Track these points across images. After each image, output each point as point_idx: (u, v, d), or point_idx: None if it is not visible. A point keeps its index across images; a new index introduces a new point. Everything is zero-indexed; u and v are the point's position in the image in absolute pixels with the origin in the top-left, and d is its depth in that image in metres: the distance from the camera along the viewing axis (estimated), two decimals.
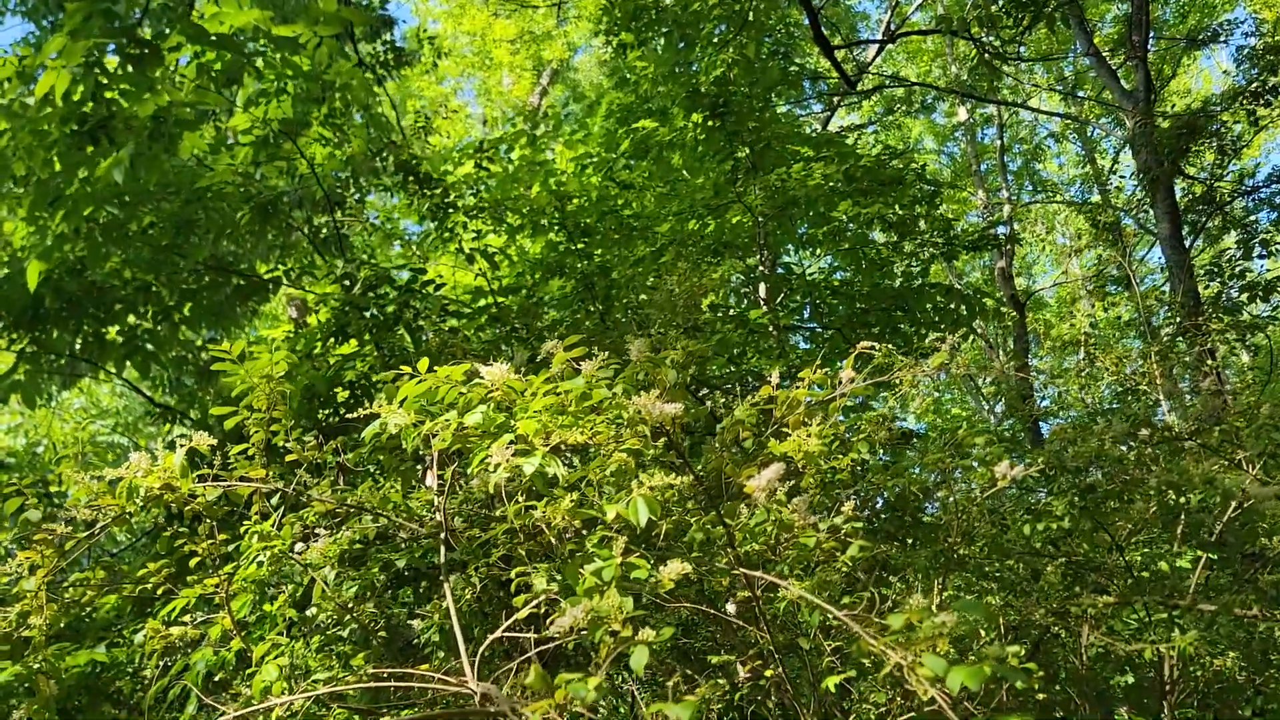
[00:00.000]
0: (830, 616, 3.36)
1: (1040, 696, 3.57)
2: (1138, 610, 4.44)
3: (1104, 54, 14.16)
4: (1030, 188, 22.59)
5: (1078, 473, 3.56)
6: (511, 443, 2.11)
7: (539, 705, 1.49)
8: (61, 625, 3.14)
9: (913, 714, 3.54)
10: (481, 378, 2.25)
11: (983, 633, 3.03)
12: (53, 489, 5.34)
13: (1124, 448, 3.66)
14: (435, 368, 2.41)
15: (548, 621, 2.05)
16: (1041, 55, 17.83)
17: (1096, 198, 19.25)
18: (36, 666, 2.55)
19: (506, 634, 3.22)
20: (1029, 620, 4.13)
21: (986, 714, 3.25)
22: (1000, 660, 1.85)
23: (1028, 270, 26.37)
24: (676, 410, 1.99)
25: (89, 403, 13.13)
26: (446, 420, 2.25)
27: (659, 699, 2.64)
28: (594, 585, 1.86)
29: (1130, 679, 5.45)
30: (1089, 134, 21.13)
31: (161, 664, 3.54)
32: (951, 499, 3.89)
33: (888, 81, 18.04)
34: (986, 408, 20.22)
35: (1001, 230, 15.92)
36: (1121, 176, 19.11)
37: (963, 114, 20.00)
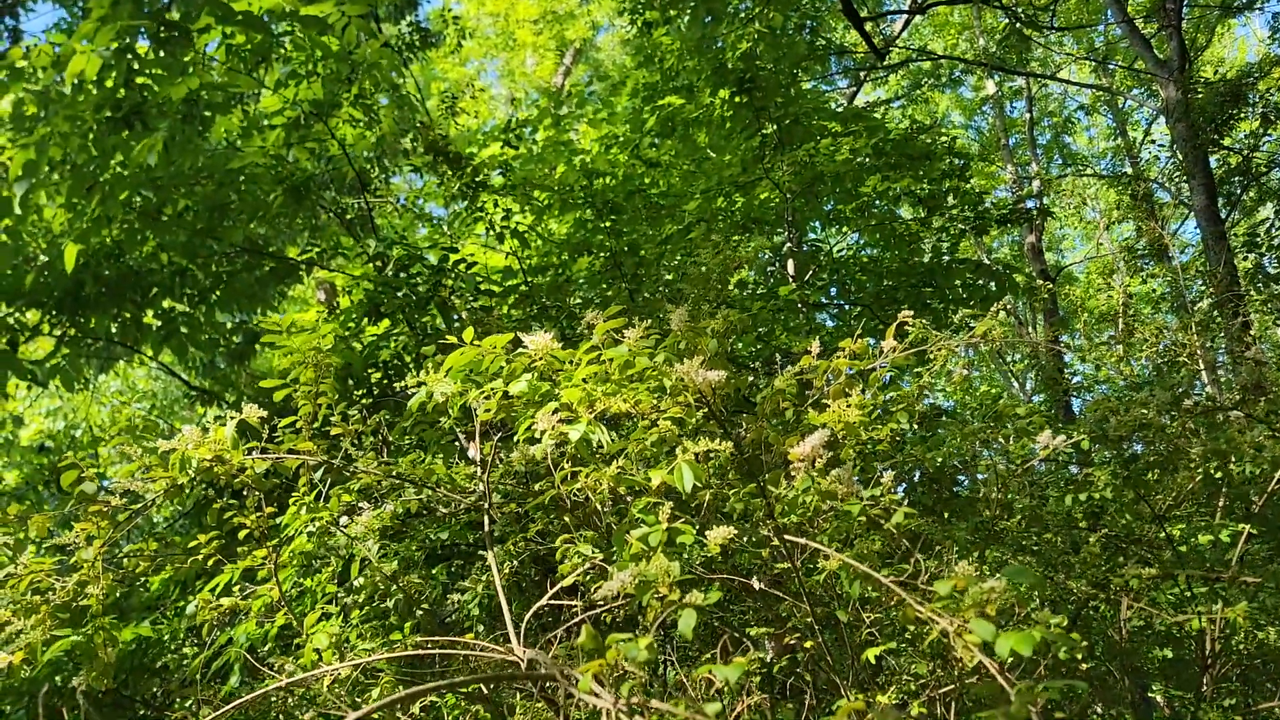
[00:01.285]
0: (869, 589, 3.36)
1: (1083, 666, 3.55)
2: (1179, 584, 4.40)
3: (1137, 23, 13.90)
4: (1060, 161, 22.27)
5: (1119, 443, 3.53)
6: (555, 411, 2.12)
7: (590, 666, 1.51)
8: (116, 596, 3.21)
9: (954, 685, 3.54)
10: (524, 348, 2.26)
11: (1022, 604, 3.01)
12: (92, 470, 5.44)
13: (1166, 418, 3.62)
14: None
15: (593, 589, 2.06)
16: (1072, 24, 17.53)
17: (1129, 170, 18.95)
18: (94, 634, 2.61)
19: (549, 605, 3.25)
20: (1068, 593, 4.11)
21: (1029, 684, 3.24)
22: (1050, 627, 1.84)
23: (1057, 246, 26.05)
24: (720, 377, 1.99)
25: (125, 386, 13.33)
26: (492, 389, 2.27)
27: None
28: (640, 551, 1.87)
29: (1169, 653, 5.42)
30: (1121, 106, 20.78)
31: (211, 636, 3.60)
32: (991, 471, 3.87)
33: (915, 55, 17.81)
34: (1016, 386, 20.04)
35: (1032, 204, 15.75)
36: (1154, 149, 18.80)
37: (991, 87, 19.74)
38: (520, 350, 2.29)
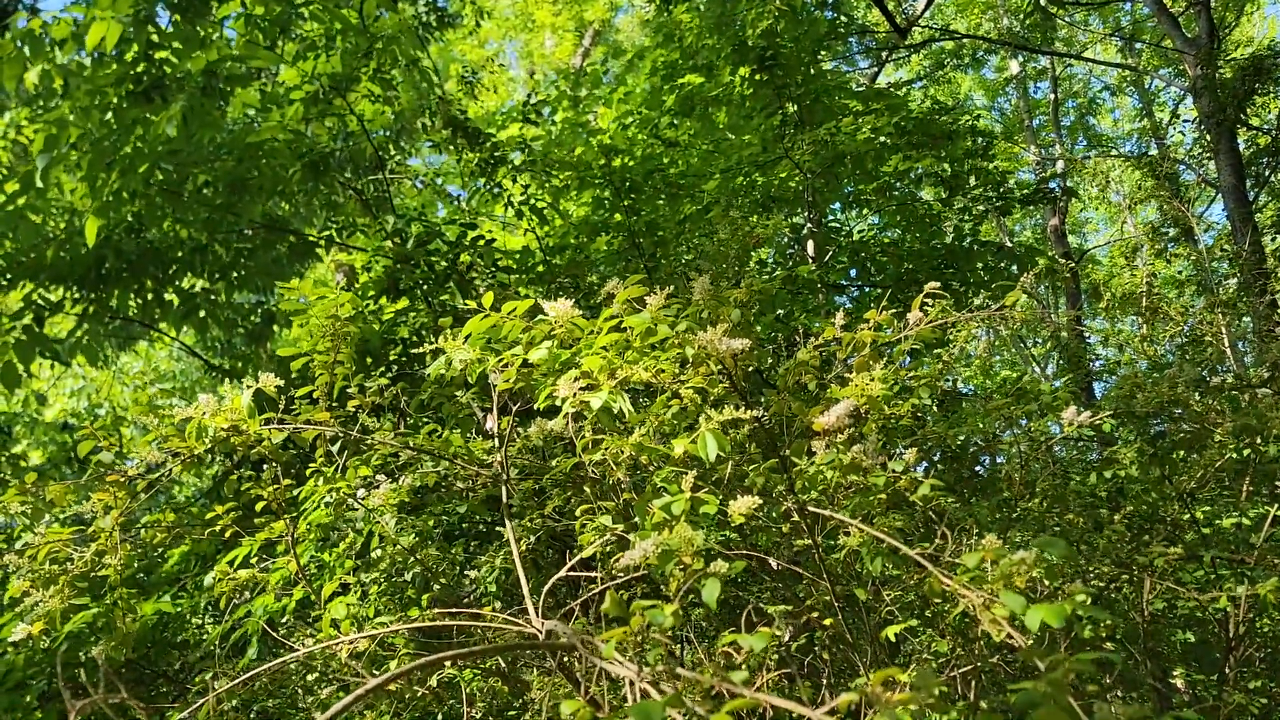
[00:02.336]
0: (889, 567, 3.32)
1: (1107, 646, 3.51)
2: (1203, 565, 4.35)
3: (1164, 0, 13.65)
4: (1084, 143, 21.99)
5: (1145, 419, 3.47)
6: (575, 379, 2.09)
7: (613, 634, 1.48)
8: (134, 567, 3.22)
9: (974, 665, 3.51)
10: (544, 316, 2.23)
11: (1049, 579, 2.97)
12: (112, 449, 5.48)
13: (1193, 396, 3.55)
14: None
15: (614, 560, 2.04)
16: (1098, 2, 17.25)
17: (1155, 151, 18.68)
18: (113, 604, 2.62)
19: (566, 583, 3.24)
20: (1090, 573, 4.06)
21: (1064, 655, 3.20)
22: (1081, 600, 1.80)
23: (1081, 229, 25.77)
24: (743, 345, 1.96)
25: (147, 367, 13.42)
26: (513, 355, 2.24)
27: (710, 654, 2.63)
28: (662, 520, 1.84)
29: (1191, 637, 5.36)
30: (1147, 86, 20.47)
31: (230, 605, 3.61)
32: (1014, 449, 3.82)
33: (937, 35, 17.59)
34: (1038, 370, 19.87)
35: (1055, 186, 15.55)
36: (1181, 130, 18.53)
37: (1014, 67, 19.49)
38: (540, 318, 2.26)
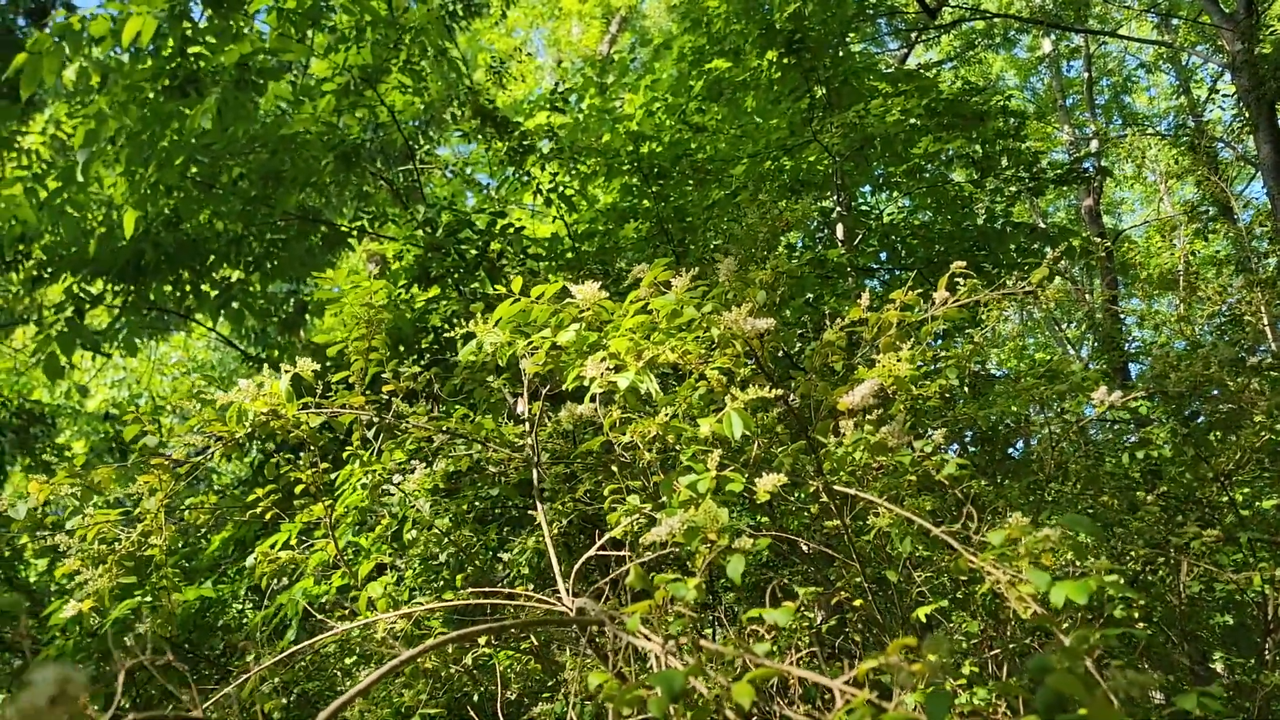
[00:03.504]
0: (919, 548, 3.33)
1: (1140, 626, 3.49)
2: (1241, 548, 4.30)
3: None
4: (1119, 122, 21.62)
5: (1179, 398, 3.44)
6: (603, 360, 2.13)
7: (637, 606, 1.51)
8: (178, 552, 3.31)
9: (1004, 648, 3.51)
10: (572, 299, 2.27)
11: (1078, 557, 2.96)
12: (156, 435, 5.62)
13: (1229, 376, 3.51)
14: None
15: (641, 539, 2.07)
16: None
17: (1192, 127, 18.34)
18: (158, 583, 2.70)
19: (595, 562, 3.28)
20: (1125, 555, 4.03)
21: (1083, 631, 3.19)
22: (1107, 576, 1.80)
23: (1116, 209, 25.39)
24: (768, 324, 1.98)
25: (185, 357, 13.67)
26: (542, 337, 2.28)
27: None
28: (689, 498, 1.87)
29: (1229, 620, 5.30)
30: (1184, 62, 20.08)
31: (270, 589, 3.70)
32: (1045, 430, 3.81)
33: (968, 14, 17.36)
34: (1072, 353, 19.64)
35: (1089, 165, 15.32)
36: (1220, 107, 18.15)
37: (1047, 46, 19.20)
38: (568, 300, 2.29)
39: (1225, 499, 3.92)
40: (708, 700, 1.19)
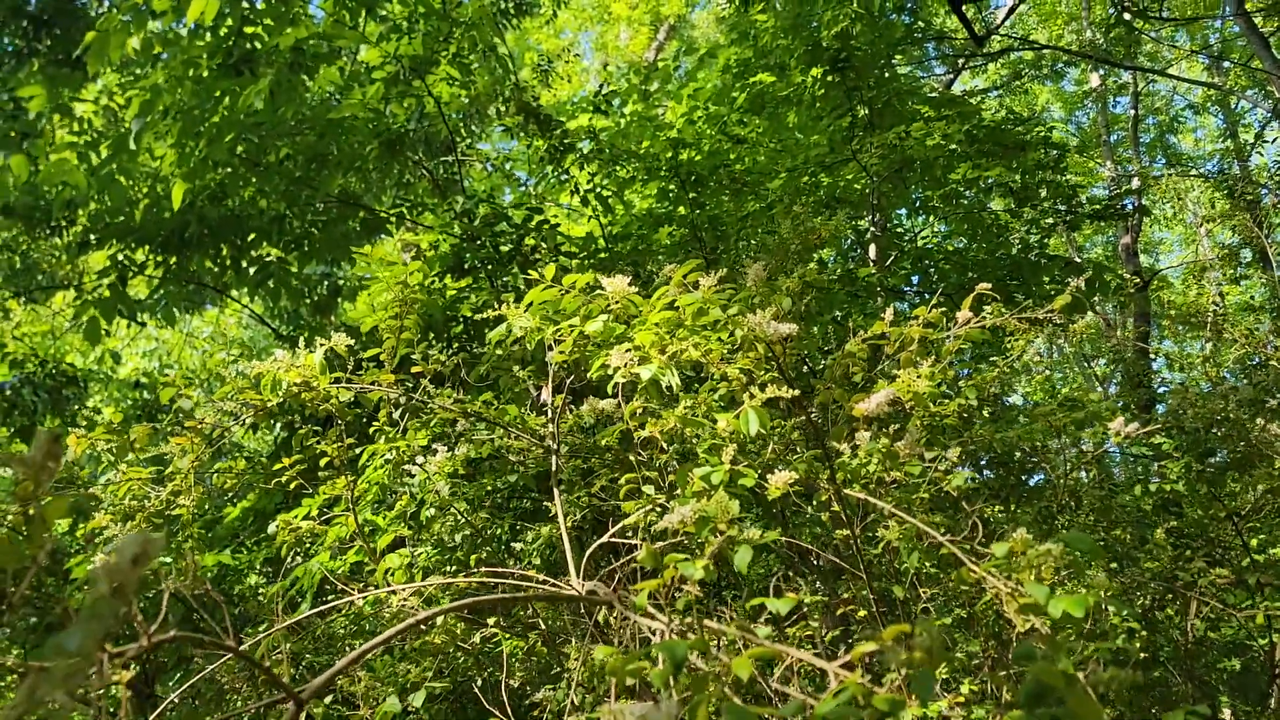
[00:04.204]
0: (926, 564, 3.37)
1: (1140, 673, 3.50)
2: (1250, 591, 4.29)
3: (1255, 19, 13.28)
4: (1163, 161, 21.45)
5: (1195, 434, 3.45)
6: (627, 351, 2.19)
7: (647, 584, 1.57)
8: (204, 516, 3.41)
9: (1012, 668, 3.53)
10: (602, 291, 2.33)
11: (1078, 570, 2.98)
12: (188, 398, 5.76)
13: (1248, 415, 3.52)
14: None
15: (653, 528, 2.13)
16: (1185, 18, 16.84)
17: (1236, 172, 18.17)
18: (184, 541, 2.80)
19: (607, 552, 3.34)
20: (1136, 591, 4.03)
21: (1087, 667, 3.21)
22: (1107, 595, 1.84)
23: (1154, 249, 25.16)
24: (791, 330, 2.03)
25: (217, 332, 13.88)
26: (571, 325, 2.35)
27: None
28: (701, 489, 1.93)
29: (1236, 664, 5.27)
30: (1233, 106, 19.90)
31: (288, 562, 3.79)
32: (1061, 457, 3.82)
33: (1016, 44, 17.31)
34: (1100, 389, 19.48)
35: (1129, 203, 15.23)
36: (1260, 153, 17.98)
37: (1095, 80, 19.10)
38: (598, 293, 2.36)
39: (1238, 540, 3.91)
40: (708, 674, 1.25)
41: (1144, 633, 3.26)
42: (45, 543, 0.97)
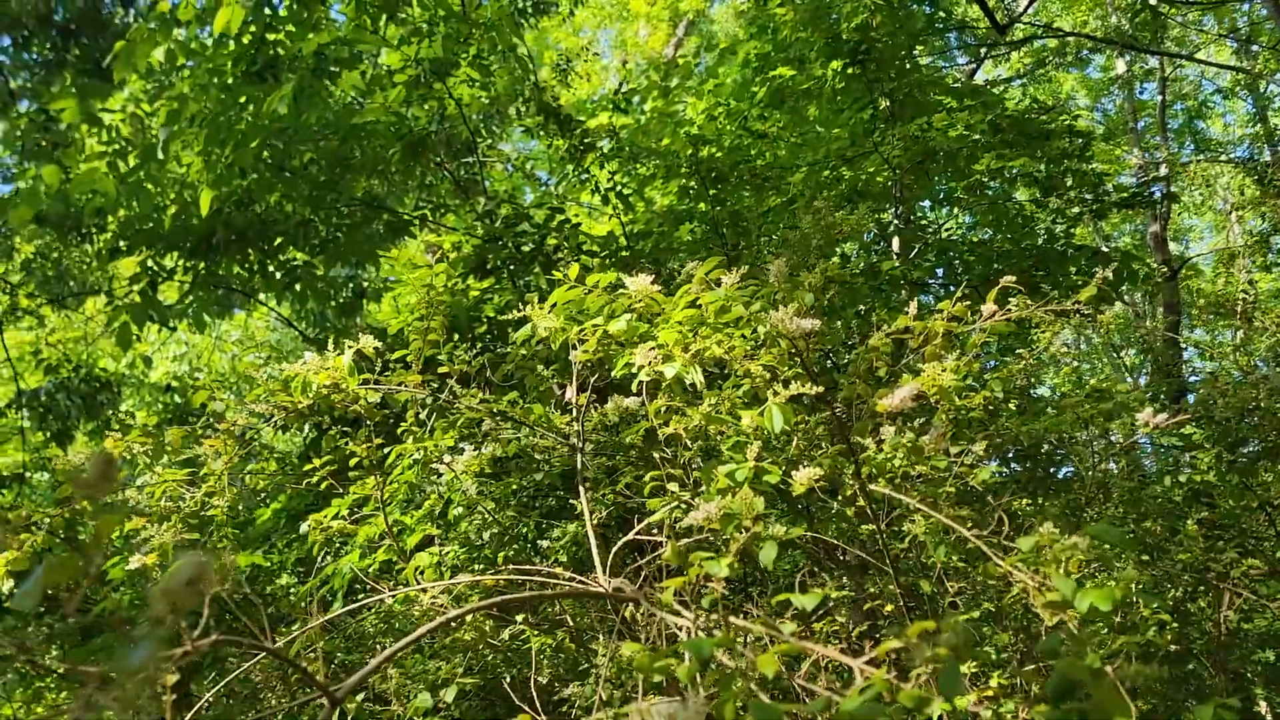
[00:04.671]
0: (953, 558, 3.36)
1: (1168, 667, 3.47)
2: None
3: None
4: (1192, 148, 21.14)
5: (1226, 423, 3.41)
6: (651, 349, 2.21)
7: (672, 582, 1.59)
8: (238, 517, 3.46)
9: (1040, 661, 3.52)
10: (625, 290, 2.35)
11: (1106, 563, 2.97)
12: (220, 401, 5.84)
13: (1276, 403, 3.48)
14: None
15: (679, 524, 2.15)
16: (1212, 2, 16.61)
17: (1267, 157, 17.90)
18: (219, 541, 2.85)
19: (633, 549, 3.36)
20: (1167, 583, 4.00)
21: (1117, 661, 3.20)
22: (1135, 588, 1.83)
23: (1184, 236, 24.83)
24: (813, 325, 2.04)
25: (245, 336, 14.04)
26: (594, 325, 2.37)
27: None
28: (726, 486, 1.94)
29: (1270, 656, 5.21)
30: (1263, 89, 19.58)
31: (319, 562, 3.84)
32: (1088, 448, 3.80)
33: (1039, 32, 17.13)
34: (1130, 380, 19.27)
35: (1157, 190, 15.05)
36: None
37: (1120, 67, 18.87)
38: (621, 292, 2.38)
39: (1272, 530, 3.87)
40: (733, 671, 1.26)
41: (1174, 625, 3.24)
42: (96, 558, 1.00)
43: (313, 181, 5.79)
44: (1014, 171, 9.87)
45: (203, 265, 6.07)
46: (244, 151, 5.29)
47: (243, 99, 5.24)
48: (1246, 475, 3.48)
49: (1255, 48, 18.67)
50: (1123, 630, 3.11)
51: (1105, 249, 14.44)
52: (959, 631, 1.08)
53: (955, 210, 10.77)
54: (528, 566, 3.11)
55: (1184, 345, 10.91)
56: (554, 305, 2.51)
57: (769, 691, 2.48)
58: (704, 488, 2.16)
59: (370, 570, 4.08)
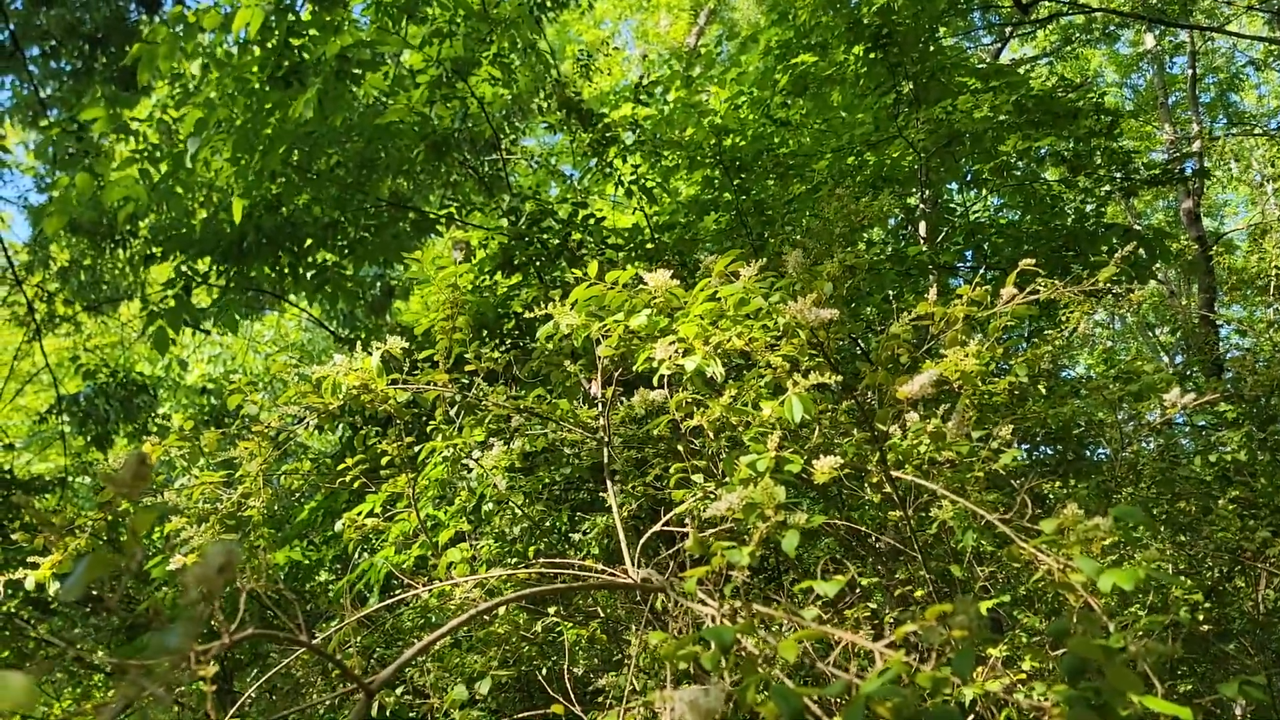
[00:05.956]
0: (983, 542, 3.36)
1: (1205, 628, 3.46)
2: None
3: None
4: (1224, 121, 20.77)
5: (1256, 402, 3.38)
6: (672, 343, 2.24)
7: (695, 571, 1.62)
8: (273, 516, 3.55)
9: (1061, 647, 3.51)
10: (645, 285, 2.38)
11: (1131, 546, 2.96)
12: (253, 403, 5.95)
13: None
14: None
15: (702, 513, 2.17)
16: None
17: None
18: (255, 540, 2.92)
19: (662, 540, 3.40)
20: (1202, 563, 3.97)
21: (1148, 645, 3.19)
22: (1157, 570, 1.84)
23: (1217, 211, 24.40)
24: (832, 315, 2.05)
25: (277, 337, 14.24)
26: (616, 320, 2.40)
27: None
28: (748, 476, 1.97)
29: None
30: None
31: (355, 558, 3.91)
32: (1117, 430, 3.77)
33: (1065, 9, 16.90)
34: (1165, 359, 19.00)
35: (1189, 166, 14.81)
36: None
37: (1149, 41, 18.56)
38: (641, 287, 2.41)
39: None
40: (756, 656, 1.29)
41: (1206, 605, 3.22)
42: (136, 554, 1.05)
43: (340, 183, 5.87)
44: (1042, 151, 9.77)
45: (235, 269, 6.17)
46: (272, 156, 5.38)
47: (269, 105, 5.32)
48: (1277, 452, 3.45)
49: None
50: (1153, 611, 3.10)
51: (1137, 227, 14.25)
52: (973, 614, 1.10)
53: (984, 192, 10.67)
54: (559, 560, 3.16)
55: (1220, 323, 10.76)
56: (575, 302, 2.54)
57: (799, 678, 2.50)
58: (728, 478, 2.19)
59: (404, 566, 4.15)
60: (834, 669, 1.98)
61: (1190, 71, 18.20)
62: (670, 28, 20.31)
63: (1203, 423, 5.24)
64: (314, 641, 2.80)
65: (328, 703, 3.55)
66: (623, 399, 3.57)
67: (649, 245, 6.70)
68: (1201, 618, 3.27)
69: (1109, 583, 1.80)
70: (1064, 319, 4.11)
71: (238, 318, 6.52)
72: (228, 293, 6.33)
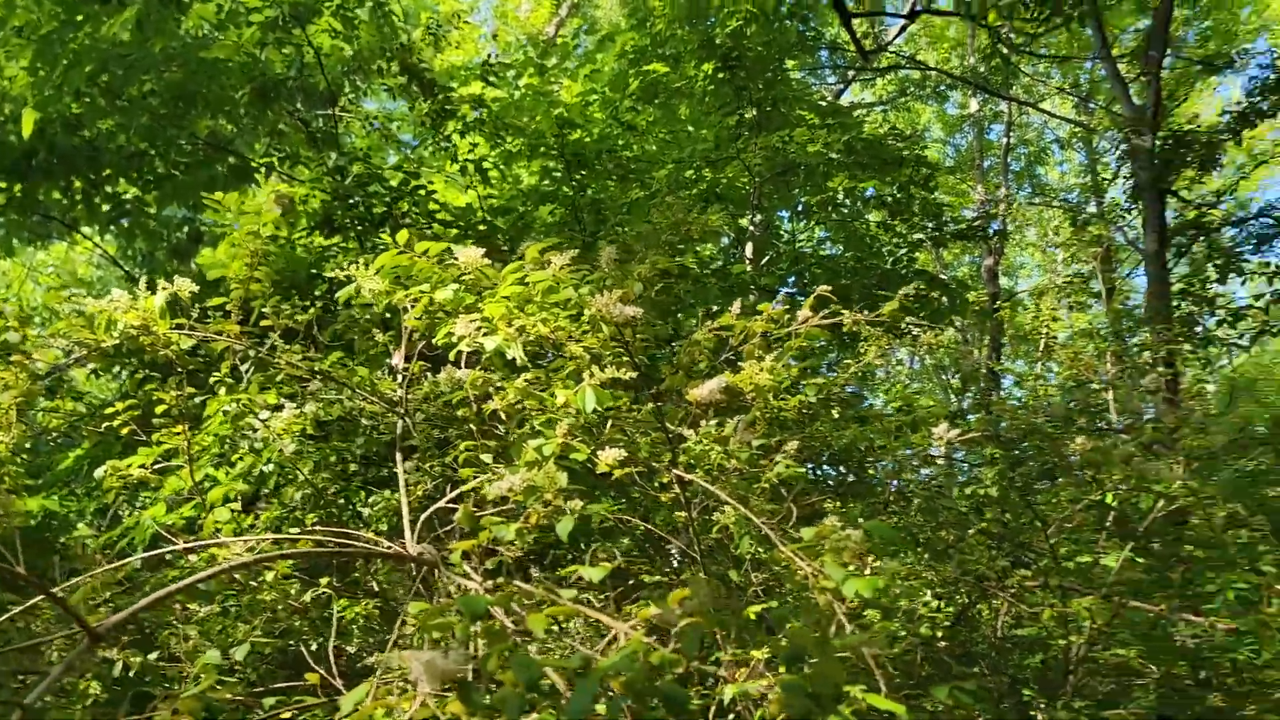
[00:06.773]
0: (759, 550, 3.52)
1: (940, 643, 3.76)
2: (1051, 592, 4.64)
3: (1120, 66, 14.18)
4: (1029, 190, 22.68)
5: (1009, 444, 3.73)
6: (474, 322, 2.23)
7: (460, 544, 1.63)
8: (27, 459, 3.25)
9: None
10: (455, 260, 2.36)
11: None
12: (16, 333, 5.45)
13: (1059, 430, 3.82)
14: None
15: (484, 491, 2.18)
16: (1059, 56, 17.90)
17: (1093, 208, 19.44)
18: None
19: (449, 519, 3.37)
20: (954, 588, 4.32)
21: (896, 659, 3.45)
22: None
23: (1014, 272, 26.57)
24: (636, 313, 2.11)
25: (63, 269, 13.10)
26: (421, 290, 2.37)
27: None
28: (534, 459, 1.99)
29: (1039, 660, 5.70)
30: (1095, 145, 21.22)
31: (118, 512, 3.66)
32: (894, 459, 4.06)
33: (904, 63, 17.99)
34: (955, 402, 20.49)
35: (994, 226, 16.07)
36: (1120, 192, 19.28)
37: (974, 106, 20.03)
38: (451, 261, 2.39)
39: (1048, 545, 4.24)
40: (508, 629, 1.31)
41: (955, 628, 3.51)
42: None
43: (152, 113, 5.47)
44: (868, 193, 10.33)
45: (19, 187, 5.63)
46: (77, 72, 4.95)
47: (80, 17, 4.89)
48: (1025, 492, 3.81)
49: (1092, 105, 20.18)
50: (902, 621, 3.35)
51: (944, 276, 15.31)
52: (704, 598, 1.16)
53: (811, 223, 11.19)
54: (338, 529, 3.07)
55: (1002, 374, 11.75)
56: (380, 268, 2.49)
57: (564, 658, 2.54)
58: (516, 460, 2.21)
59: (174, 527, 3.91)
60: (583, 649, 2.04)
61: (1005, 140, 19.76)
62: (531, 13, 20.13)
63: (966, 461, 5.71)
64: (54, 591, 2.59)
65: (64, 659, 3.29)
66: (429, 374, 3.52)
67: (481, 227, 6.62)
68: (943, 637, 3.56)
69: (853, 589, 1.95)
70: (863, 351, 4.38)
71: (17, 241, 5.95)
72: (7, 210, 5.76)
